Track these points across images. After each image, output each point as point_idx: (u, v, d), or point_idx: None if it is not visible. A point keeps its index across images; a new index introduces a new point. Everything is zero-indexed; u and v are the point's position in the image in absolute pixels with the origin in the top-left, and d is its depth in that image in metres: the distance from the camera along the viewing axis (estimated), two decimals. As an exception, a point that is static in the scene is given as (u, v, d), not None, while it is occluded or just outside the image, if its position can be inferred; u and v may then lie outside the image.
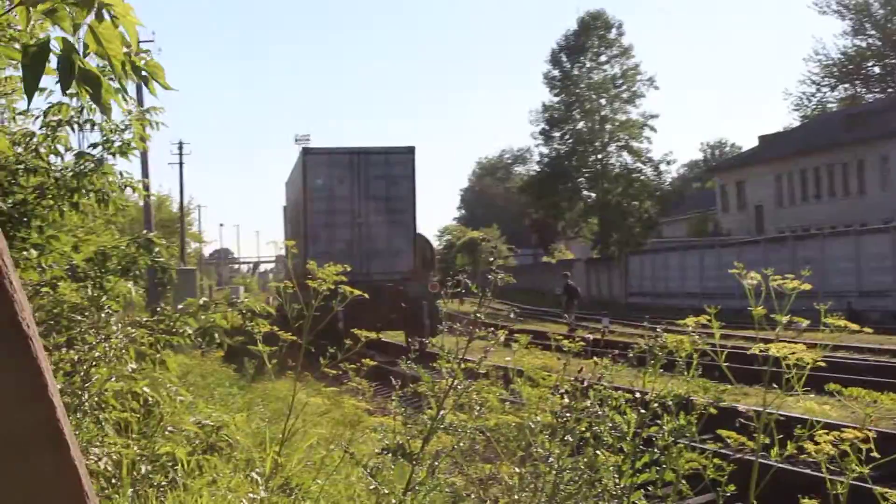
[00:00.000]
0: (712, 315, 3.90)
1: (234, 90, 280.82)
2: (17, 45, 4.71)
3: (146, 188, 38.53)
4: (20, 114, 10.06)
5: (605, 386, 4.43)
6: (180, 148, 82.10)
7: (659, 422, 4.16)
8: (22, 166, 8.79)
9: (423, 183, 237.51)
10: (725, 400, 4.28)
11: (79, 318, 8.60)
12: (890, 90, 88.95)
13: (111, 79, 2.95)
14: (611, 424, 4.25)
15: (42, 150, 8.88)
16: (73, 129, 9.02)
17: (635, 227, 75.74)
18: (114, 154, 9.32)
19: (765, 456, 3.87)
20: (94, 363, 7.16)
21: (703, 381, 4.17)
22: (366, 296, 5.27)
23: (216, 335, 8.97)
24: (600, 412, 4.30)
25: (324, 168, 33.18)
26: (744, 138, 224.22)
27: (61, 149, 8.99)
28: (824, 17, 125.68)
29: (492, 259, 4.64)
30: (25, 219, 8.73)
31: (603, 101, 77.83)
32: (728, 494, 4.02)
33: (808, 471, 10.26)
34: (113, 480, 6.46)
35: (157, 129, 9.77)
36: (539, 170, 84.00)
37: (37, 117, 9.39)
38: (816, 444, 3.30)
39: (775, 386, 3.78)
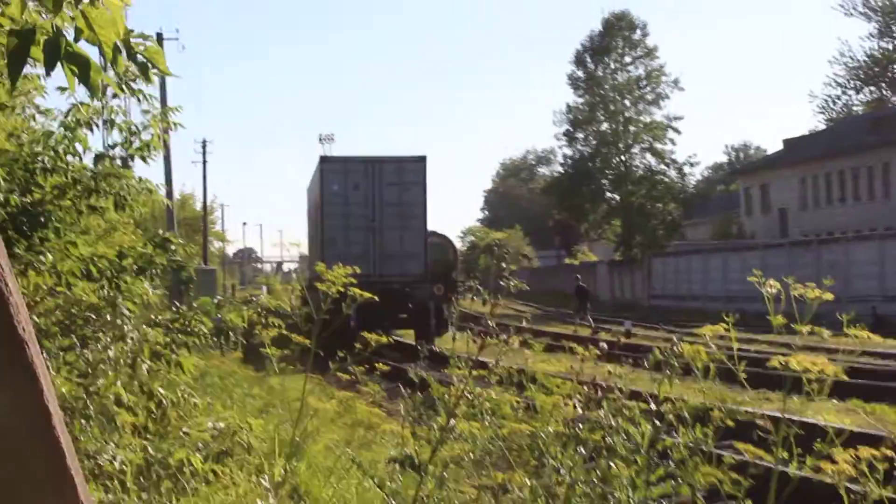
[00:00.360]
0: (730, 323, 3.79)
1: (258, 88, 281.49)
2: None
3: (169, 188, 38.55)
4: (41, 113, 10.06)
5: (618, 396, 4.34)
6: (203, 147, 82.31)
7: (674, 433, 4.08)
8: (39, 165, 8.76)
9: (447, 183, 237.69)
10: (745, 407, 4.17)
11: (93, 317, 8.56)
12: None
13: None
14: (624, 436, 4.16)
15: (61, 150, 8.84)
16: (91, 129, 8.98)
17: (658, 229, 75.54)
18: (132, 155, 9.28)
19: (785, 468, 3.78)
20: (103, 364, 7.10)
21: (720, 391, 4.08)
22: (376, 299, 5.22)
23: (231, 334, 8.91)
24: (614, 423, 4.21)
25: (340, 176, 35.03)
26: (768, 141, 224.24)
27: (80, 149, 8.93)
28: (850, 18, 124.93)
29: (504, 265, 4.51)
30: (42, 219, 8.69)
31: (627, 103, 77.64)
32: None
33: (829, 480, 10.13)
34: (127, 484, 6.41)
35: (175, 129, 9.74)
36: (562, 171, 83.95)
37: (56, 117, 9.39)
38: (835, 462, 3.19)
39: (795, 396, 3.66)
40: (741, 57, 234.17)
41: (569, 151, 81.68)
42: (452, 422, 4.17)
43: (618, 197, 78.88)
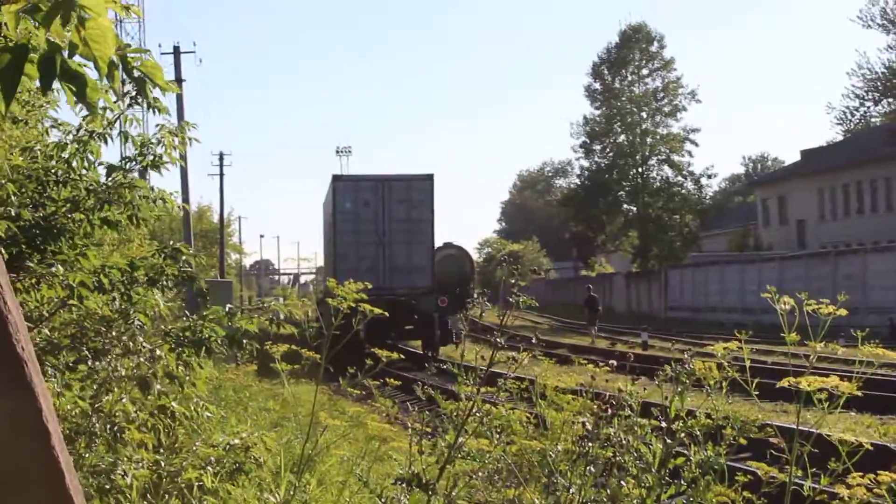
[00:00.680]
0: (742, 340, 3.73)
1: (276, 101, 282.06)
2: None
3: (185, 200, 38.74)
4: (54, 126, 10.06)
5: (629, 413, 4.29)
6: (221, 159, 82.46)
7: (686, 452, 4.02)
8: (52, 179, 8.75)
9: (464, 194, 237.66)
10: (759, 423, 4.11)
11: (104, 329, 8.53)
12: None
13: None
14: (635, 454, 4.11)
15: (74, 163, 8.84)
16: (105, 141, 8.98)
17: (675, 240, 75.44)
18: (146, 168, 9.26)
19: (800, 485, 3.71)
20: (112, 380, 7.06)
21: (732, 408, 4.02)
22: (386, 314, 5.21)
23: (244, 342, 8.87)
24: (624, 441, 4.16)
25: (351, 193, 37.37)
26: (786, 152, 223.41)
27: (93, 161, 8.93)
28: (868, 30, 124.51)
29: (514, 280, 4.47)
30: (55, 231, 8.67)
31: (644, 115, 77.51)
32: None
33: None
34: (134, 501, 6.38)
35: (189, 144, 9.73)
36: (579, 183, 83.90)
37: (71, 130, 9.38)
38: (849, 486, 3.13)
39: (812, 409, 3.60)
40: (759, 68, 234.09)
41: (586, 163, 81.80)
42: (461, 439, 4.12)
43: (635, 209, 78.79)
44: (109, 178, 9.08)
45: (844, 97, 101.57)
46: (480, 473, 4.31)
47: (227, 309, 9.12)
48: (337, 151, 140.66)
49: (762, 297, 3.69)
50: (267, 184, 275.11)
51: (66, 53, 2.71)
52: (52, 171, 8.76)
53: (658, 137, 76.95)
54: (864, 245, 55.66)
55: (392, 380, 5.89)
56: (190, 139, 9.60)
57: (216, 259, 73.01)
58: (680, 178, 77.30)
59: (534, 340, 4.74)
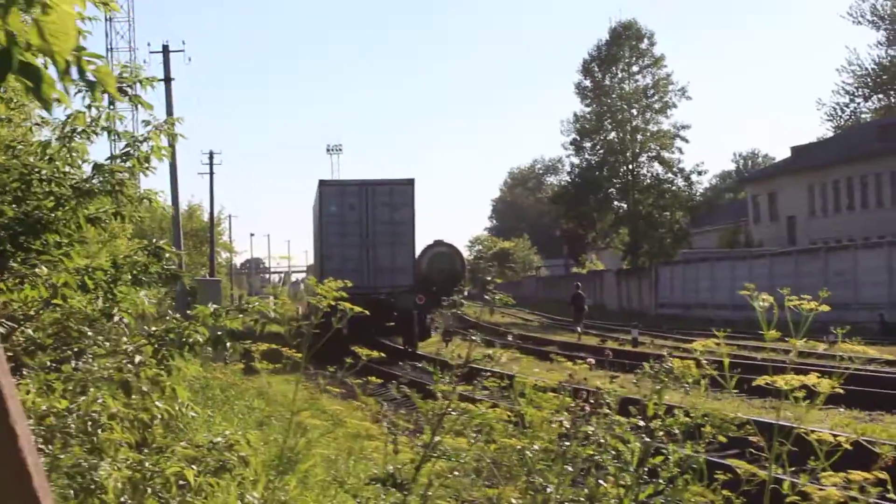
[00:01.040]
0: (721, 337, 3.70)
1: (266, 99, 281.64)
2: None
3: (175, 199, 38.78)
4: (37, 124, 10.00)
5: (607, 412, 4.24)
6: (210, 158, 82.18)
7: (664, 451, 3.98)
8: (36, 177, 8.69)
9: (455, 192, 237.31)
10: (736, 422, 4.07)
11: (87, 330, 8.47)
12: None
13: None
14: (613, 453, 4.07)
15: (58, 160, 8.78)
16: (90, 139, 8.93)
17: (666, 237, 75.42)
18: (133, 166, 9.20)
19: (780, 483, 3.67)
20: (87, 383, 7.00)
21: (722, 405, 3.98)
22: (367, 312, 5.21)
23: (227, 343, 8.81)
24: (602, 440, 4.12)
25: (337, 197, 39.86)
26: (776, 149, 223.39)
27: (75, 158, 8.87)
28: (858, 26, 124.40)
29: (489, 279, 4.44)
30: (39, 227, 8.62)
31: (634, 112, 77.43)
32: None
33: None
34: (122, 499, 6.32)
35: (175, 140, 9.67)
36: (570, 180, 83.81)
37: (57, 127, 9.33)
38: (822, 487, 3.08)
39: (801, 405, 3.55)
40: (749, 65, 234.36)
41: (576, 160, 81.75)
42: (437, 438, 4.07)
43: (625, 206, 78.74)
44: (95, 177, 9.03)
45: (835, 93, 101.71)
46: (457, 472, 4.24)
47: (212, 309, 9.07)
48: (328, 150, 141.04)
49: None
50: (257, 183, 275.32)
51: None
52: (36, 169, 8.70)
53: (648, 134, 76.87)
54: (855, 241, 55.72)
55: (373, 377, 5.85)
56: (176, 135, 9.53)
57: (207, 258, 72.84)
58: (670, 174, 77.31)
59: (510, 338, 4.67)
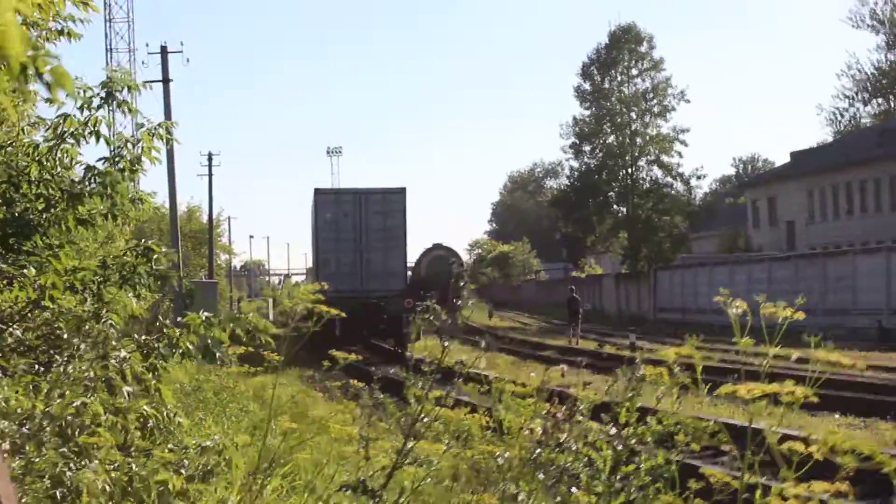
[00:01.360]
0: (694, 344, 3.67)
1: (265, 101, 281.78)
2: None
3: (172, 200, 38.74)
4: (29, 125, 9.99)
5: (580, 419, 4.22)
6: (209, 159, 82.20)
7: (636, 459, 3.96)
8: (25, 178, 8.68)
9: (455, 195, 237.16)
10: (710, 430, 4.03)
11: (74, 333, 8.44)
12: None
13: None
14: (585, 461, 4.04)
15: (47, 162, 8.76)
16: (78, 141, 8.90)
17: (665, 242, 75.36)
18: (123, 168, 9.17)
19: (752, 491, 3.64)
20: (62, 385, 6.98)
21: (686, 415, 3.95)
22: (343, 315, 5.23)
23: (216, 353, 8.80)
24: (574, 447, 4.09)
25: (332, 205, 42.05)
26: (776, 153, 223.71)
27: (62, 159, 8.86)
28: (858, 31, 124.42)
29: (462, 284, 4.41)
30: (29, 228, 8.61)
31: (633, 115, 77.29)
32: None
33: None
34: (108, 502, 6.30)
35: (168, 144, 9.66)
36: (569, 184, 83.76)
37: (47, 129, 9.31)
38: (785, 499, 3.05)
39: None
40: (749, 69, 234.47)
41: (575, 164, 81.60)
42: (409, 444, 4.04)
43: (624, 210, 78.68)
44: (87, 178, 9.02)
45: (834, 98, 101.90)
46: (429, 479, 4.21)
47: (203, 317, 9.04)
48: (328, 152, 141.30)
49: (751, 299, 3.63)
50: (257, 184, 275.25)
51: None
52: (25, 170, 8.69)
53: (647, 138, 76.76)
54: (854, 246, 55.66)
55: (356, 381, 5.83)
56: (171, 138, 9.52)
57: (206, 259, 72.83)
58: (669, 179, 77.19)
59: (483, 345, 4.63)
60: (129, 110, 8.89)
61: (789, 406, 3.32)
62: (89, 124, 8.75)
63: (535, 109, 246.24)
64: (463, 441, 4.50)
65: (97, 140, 8.89)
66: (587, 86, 79.56)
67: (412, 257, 54.13)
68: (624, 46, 77.68)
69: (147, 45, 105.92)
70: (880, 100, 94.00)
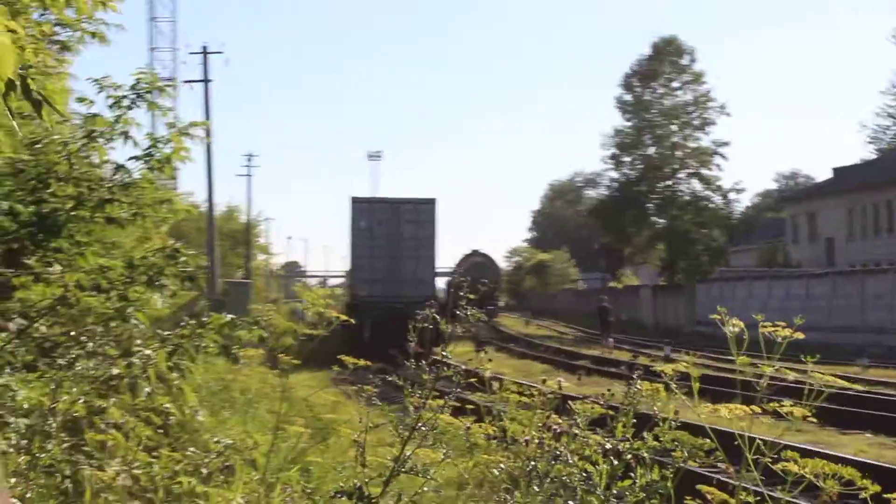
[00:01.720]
0: (693, 361, 3.66)
1: (306, 103, 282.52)
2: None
3: (210, 200, 38.96)
4: (59, 123, 10.07)
5: (576, 432, 4.21)
6: (249, 160, 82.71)
7: (632, 475, 3.95)
8: (54, 176, 8.75)
9: (495, 202, 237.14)
10: (705, 448, 4.03)
11: (100, 329, 8.52)
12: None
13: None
14: (581, 475, 4.03)
15: (75, 161, 8.83)
16: (107, 140, 8.97)
17: (703, 255, 74.95)
18: (152, 168, 9.23)
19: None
20: (81, 384, 7.04)
21: (686, 434, 3.95)
22: (352, 321, 5.34)
23: (238, 352, 8.85)
24: (570, 460, 4.08)
25: (366, 214, 44.59)
26: (818, 169, 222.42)
27: (89, 158, 8.93)
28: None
29: (462, 293, 4.45)
30: (56, 227, 8.68)
31: (674, 128, 77.06)
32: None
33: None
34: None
35: (206, 142, 9.72)
36: (608, 194, 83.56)
37: (76, 128, 9.38)
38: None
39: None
40: (792, 85, 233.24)
41: (615, 175, 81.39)
42: (407, 452, 4.04)
43: (663, 222, 78.36)
44: (115, 176, 9.10)
45: (877, 116, 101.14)
46: (427, 489, 4.20)
47: (227, 318, 9.10)
48: (368, 156, 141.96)
49: (787, 315, 3.63)
50: (297, 186, 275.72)
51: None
52: (53, 168, 8.76)
53: (687, 151, 76.52)
54: (894, 265, 55.19)
55: (369, 388, 5.85)
56: (201, 137, 9.57)
57: (243, 259, 73.14)
58: (709, 192, 76.79)
59: (483, 355, 4.64)
60: (158, 110, 8.95)
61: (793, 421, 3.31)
62: (118, 124, 8.82)
63: (578, 119, 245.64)
64: (468, 450, 4.51)
65: (125, 140, 8.95)
66: (629, 97, 79.39)
67: (449, 263, 56.17)
68: (666, 59, 77.48)
69: (187, 45, 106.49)
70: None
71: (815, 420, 3.43)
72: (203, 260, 10.23)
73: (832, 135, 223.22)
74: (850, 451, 16.03)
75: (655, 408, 3.97)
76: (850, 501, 3.53)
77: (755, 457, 3.34)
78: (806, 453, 3.38)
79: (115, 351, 8.55)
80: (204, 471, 7.53)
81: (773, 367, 3.39)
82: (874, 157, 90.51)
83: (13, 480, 4.62)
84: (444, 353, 4.52)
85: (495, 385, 4.87)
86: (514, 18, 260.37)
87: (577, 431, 4.26)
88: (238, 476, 7.58)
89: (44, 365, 7.78)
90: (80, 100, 9.13)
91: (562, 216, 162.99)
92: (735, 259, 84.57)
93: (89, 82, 8.91)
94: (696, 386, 3.60)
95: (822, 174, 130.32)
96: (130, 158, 9.22)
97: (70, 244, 8.73)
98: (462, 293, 4.16)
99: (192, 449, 8.21)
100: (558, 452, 4.16)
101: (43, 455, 5.42)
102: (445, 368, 4.33)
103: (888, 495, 3.35)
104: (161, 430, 8.46)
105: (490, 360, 4.72)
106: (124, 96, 8.72)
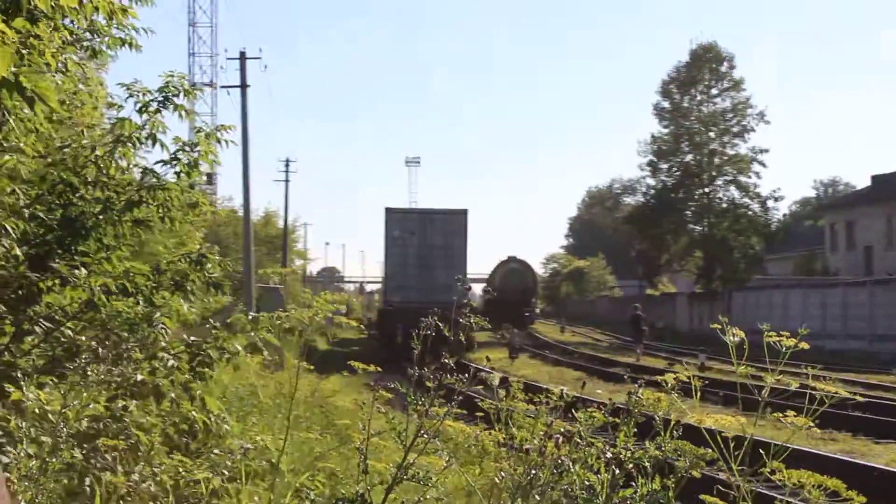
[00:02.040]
0: (691, 375, 3.65)
1: (344, 108, 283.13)
2: None
3: (246, 205, 39.07)
4: (88, 127, 10.13)
5: (578, 441, 4.19)
6: (287, 165, 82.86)
7: (633, 484, 3.93)
8: (82, 179, 8.79)
9: (533, 209, 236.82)
10: (707, 458, 4.01)
11: (126, 335, 8.57)
12: None
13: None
14: (581, 484, 4.01)
15: (102, 165, 8.88)
16: (135, 145, 9.03)
17: (740, 262, 74.46)
18: (179, 172, 9.27)
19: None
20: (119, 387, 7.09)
21: (685, 443, 3.92)
22: (362, 326, 5.38)
23: (264, 350, 8.90)
24: (572, 468, 4.06)
25: (400, 223, 47.23)
26: (857, 177, 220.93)
27: (117, 161, 8.98)
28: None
29: (465, 301, 4.49)
30: (84, 231, 8.72)
31: (712, 135, 76.61)
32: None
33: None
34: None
35: (227, 147, 9.76)
36: (645, 201, 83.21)
37: (105, 131, 9.44)
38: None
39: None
40: (831, 92, 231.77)
41: (652, 182, 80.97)
42: (410, 459, 4.04)
43: (700, 229, 77.96)
44: (145, 179, 9.15)
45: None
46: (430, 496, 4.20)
47: (249, 317, 9.15)
48: (406, 162, 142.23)
49: (824, 323, 3.62)
50: (335, 192, 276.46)
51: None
52: (82, 173, 8.81)
53: (725, 158, 76.13)
54: (932, 274, 54.77)
55: (384, 392, 5.85)
56: (227, 142, 9.61)
57: (280, 264, 73.27)
58: (746, 199, 76.28)
59: (511, 356, 4.62)
60: (186, 114, 9.01)
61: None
62: (146, 128, 8.88)
63: (616, 125, 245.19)
64: (477, 457, 4.50)
65: (153, 144, 9.01)
66: (666, 104, 79.03)
67: (486, 269, 58.40)
68: (704, 66, 77.05)
69: (226, 50, 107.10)
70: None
71: (849, 431, 3.42)
72: (236, 266, 10.27)
73: (872, 142, 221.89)
74: (883, 461, 15.96)
75: (658, 415, 3.94)
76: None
77: (759, 466, 3.32)
78: (824, 462, 3.36)
79: (140, 355, 8.61)
80: (226, 472, 7.58)
81: (776, 377, 3.37)
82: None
83: (25, 484, 4.64)
84: (459, 360, 4.50)
85: (501, 393, 4.85)
86: (553, 24, 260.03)
87: (577, 441, 4.24)
88: (253, 481, 7.63)
89: (68, 370, 7.83)
90: (111, 105, 9.20)
91: (599, 223, 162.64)
92: (772, 267, 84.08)
93: (120, 87, 8.99)
94: (696, 397, 3.58)
95: (862, 182, 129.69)
96: (157, 162, 9.28)
97: (98, 247, 8.77)
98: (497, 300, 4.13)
99: (216, 451, 8.28)
100: (560, 461, 4.14)
101: (54, 459, 5.44)
102: (449, 375, 4.31)
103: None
104: (186, 437, 8.51)
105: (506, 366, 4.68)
106: (152, 100, 8.78)
